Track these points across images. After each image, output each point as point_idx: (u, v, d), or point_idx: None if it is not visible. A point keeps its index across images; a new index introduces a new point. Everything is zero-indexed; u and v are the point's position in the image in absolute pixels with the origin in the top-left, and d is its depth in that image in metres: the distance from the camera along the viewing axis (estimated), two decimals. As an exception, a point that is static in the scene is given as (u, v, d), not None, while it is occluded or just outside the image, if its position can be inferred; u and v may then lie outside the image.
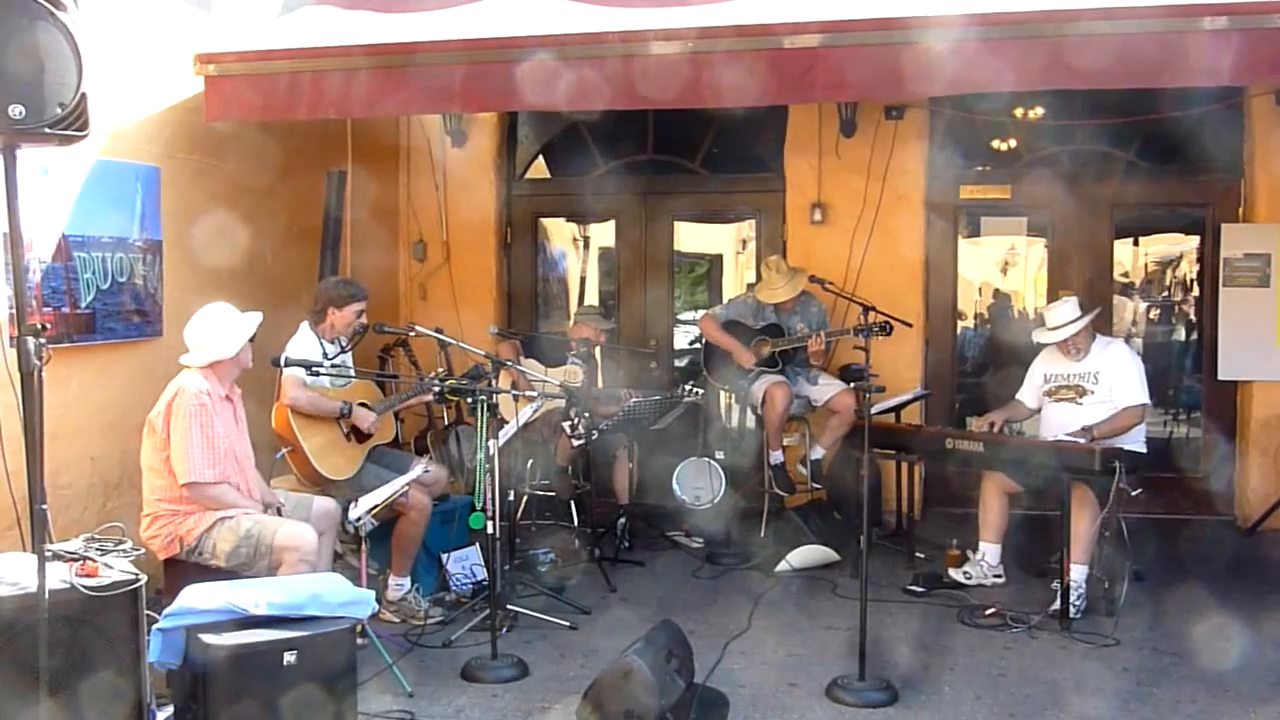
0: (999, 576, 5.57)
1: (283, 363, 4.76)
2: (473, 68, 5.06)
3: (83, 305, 4.85)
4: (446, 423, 6.63)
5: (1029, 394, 5.67)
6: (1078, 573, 5.05)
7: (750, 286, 6.74)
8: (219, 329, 4.38)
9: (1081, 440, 5.12)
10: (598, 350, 6.96)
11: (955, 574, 5.58)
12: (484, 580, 5.32)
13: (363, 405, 5.16)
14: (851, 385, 6.32)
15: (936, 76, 4.62)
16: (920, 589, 5.48)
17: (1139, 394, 5.31)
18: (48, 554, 3.01)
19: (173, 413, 4.24)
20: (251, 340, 4.47)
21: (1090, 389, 5.39)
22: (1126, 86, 5.07)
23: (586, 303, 8.32)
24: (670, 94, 4.90)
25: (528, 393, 5.45)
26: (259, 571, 4.21)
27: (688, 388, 6.16)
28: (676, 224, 7.85)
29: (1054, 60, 4.52)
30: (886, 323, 5.76)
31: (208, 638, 3.40)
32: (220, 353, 4.35)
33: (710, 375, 6.59)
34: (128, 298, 5.13)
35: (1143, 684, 4.32)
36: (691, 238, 8.38)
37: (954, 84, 4.87)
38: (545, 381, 5.88)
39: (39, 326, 2.97)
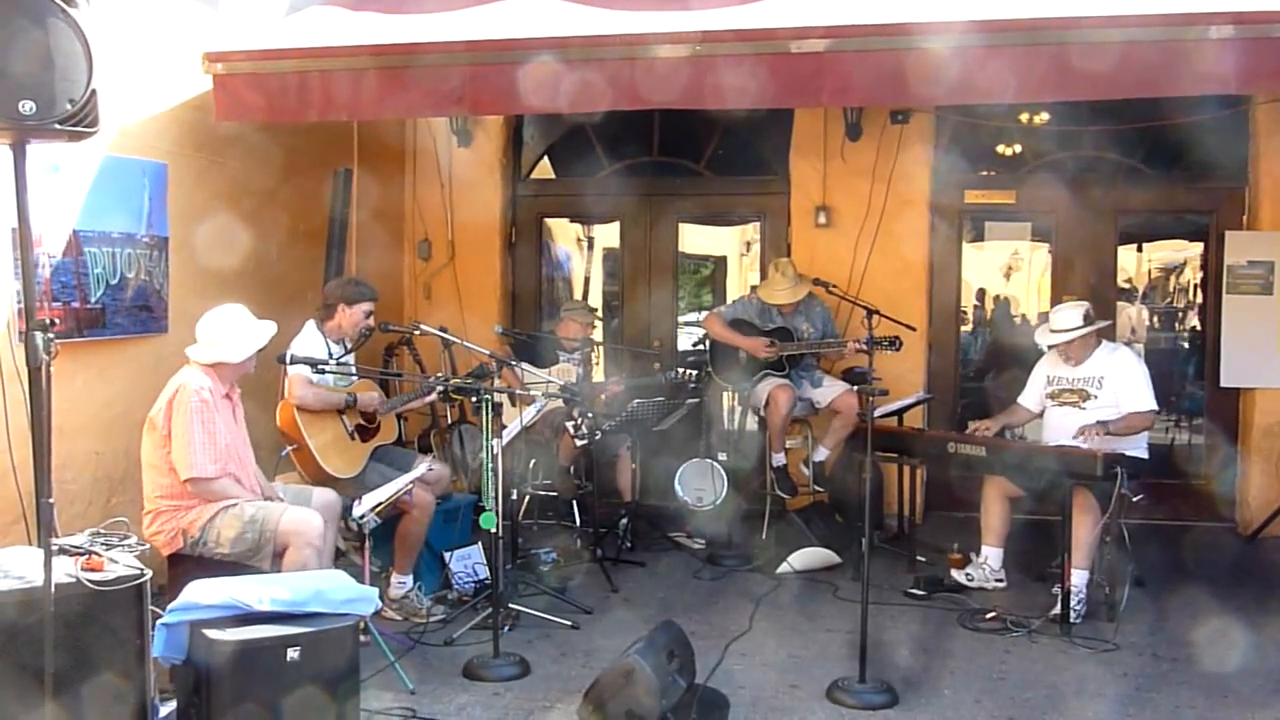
0: (1000, 580, 5.57)
1: (288, 360, 4.78)
2: (480, 69, 5.06)
3: (93, 300, 4.87)
4: (450, 421, 6.65)
5: (1031, 397, 5.68)
6: (1079, 577, 5.05)
7: (754, 289, 6.75)
8: (231, 333, 4.40)
9: (1095, 432, 5.10)
10: (598, 349, 6.96)
11: (957, 575, 5.59)
12: (486, 579, 5.33)
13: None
14: (854, 388, 6.33)
15: (942, 83, 4.63)
16: (921, 592, 5.49)
17: (1147, 400, 5.29)
18: (53, 548, 3.02)
19: (174, 409, 4.25)
20: (261, 350, 4.49)
21: (1094, 394, 5.38)
22: (1132, 96, 5.08)
23: (586, 302, 8.32)
24: (675, 97, 4.91)
25: (530, 393, 5.46)
26: (264, 558, 4.22)
27: (680, 371, 6.17)
28: (681, 226, 7.86)
29: (1061, 69, 4.51)
30: (897, 337, 5.77)
31: (211, 633, 3.40)
32: (227, 356, 4.38)
33: (716, 374, 6.60)
34: (135, 293, 5.14)
35: (1142, 689, 4.33)
36: (696, 239, 8.39)
37: (960, 91, 4.86)
38: (548, 382, 5.89)
39: (47, 322, 2.99)
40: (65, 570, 3.16)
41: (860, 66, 4.74)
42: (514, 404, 5.50)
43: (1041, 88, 4.73)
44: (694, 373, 6.31)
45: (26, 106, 2.87)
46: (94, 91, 2.99)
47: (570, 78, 4.85)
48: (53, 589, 2.97)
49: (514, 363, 5.98)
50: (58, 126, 2.94)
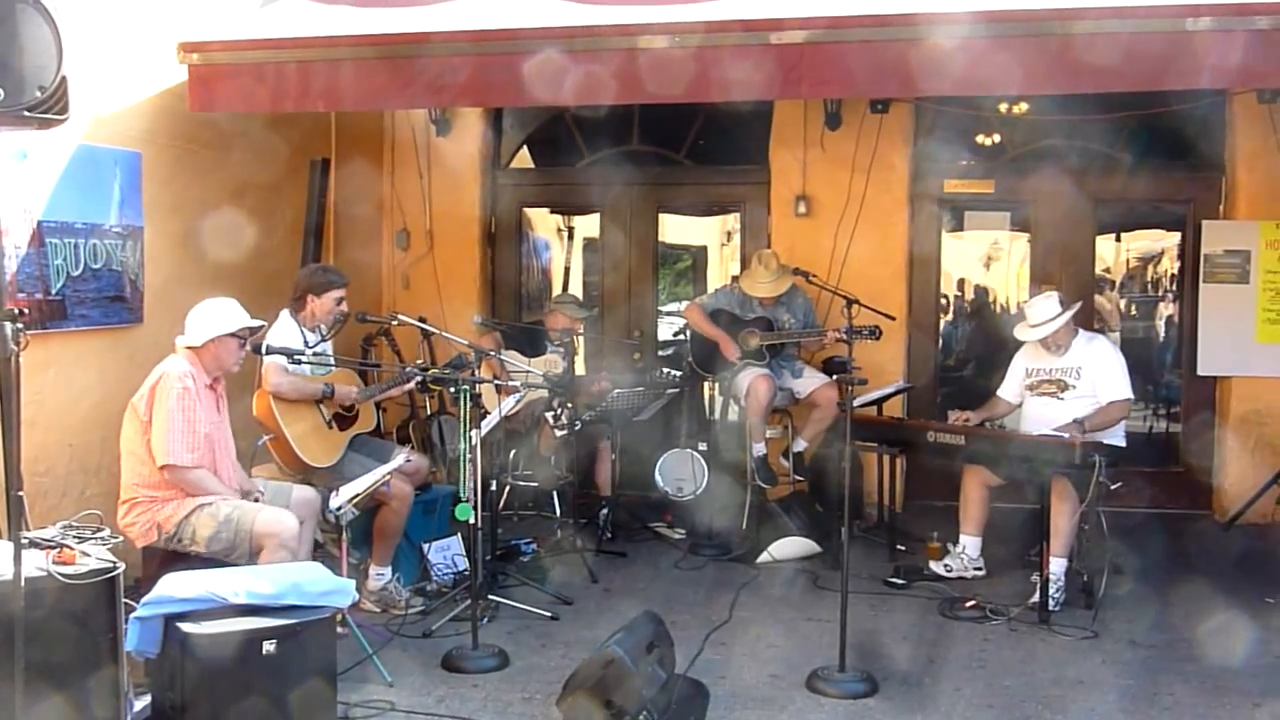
0: (979, 569, 5.59)
1: (264, 350, 4.74)
2: (466, 60, 5.01)
3: (53, 292, 4.78)
4: (429, 412, 6.62)
5: (1010, 389, 5.69)
6: (1057, 566, 5.08)
7: (735, 279, 6.75)
8: (201, 318, 4.38)
9: (1070, 432, 5.13)
10: (579, 340, 6.95)
11: (936, 566, 5.61)
12: (465, 570, 5.31)
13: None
14: (834, 378, 6.33)
15: (924, 75, 4.61)
16: (901, 581, 5.50)
17: (1123, 389, 5.33)
18: (24, 541, 2.98)
19: (156, 396, 4.22)
20: (244, 346, 4.46)
21: (1072, 384, 5.41)
22: (1119, 90, 5.06)
23: (569, 293, 8.30)
24: (657, 89, 4.87)
25: (510, 383, 5.44)
26: (239, 558, 4.18)
27: (665, 371, 6.17)
28: (662, 216, 7.84)
29: (1047, 61, 4.48)
30: (876, 326, 5.79)
31: (186, 626, 3.38)
32: (189, 339, 4.36)
33: (696, 365, 6.59)
34: (104, 284, 5.06)
35: (1120, 676, 4.35)
36: (676, 230, 8.37)
37: (941, 84, 4.84)
38: (529, 372, 5.87)
39: (15, 312, 2.94)
40: (37, 564, 3.13)
41: (841, 58, 4.72)
42: (499, 393, 5.48)
43: (1024, 80, 4.71)
44: (678, 374, 6.32)
45: (-6, 93, 2.83)
46: (64, 79, 2.95)
47: (545, 69, 4.80)
48: (23, 583, 2.93)
49: (494, 353, 5.95)
50: (26, 114, 2.90)
